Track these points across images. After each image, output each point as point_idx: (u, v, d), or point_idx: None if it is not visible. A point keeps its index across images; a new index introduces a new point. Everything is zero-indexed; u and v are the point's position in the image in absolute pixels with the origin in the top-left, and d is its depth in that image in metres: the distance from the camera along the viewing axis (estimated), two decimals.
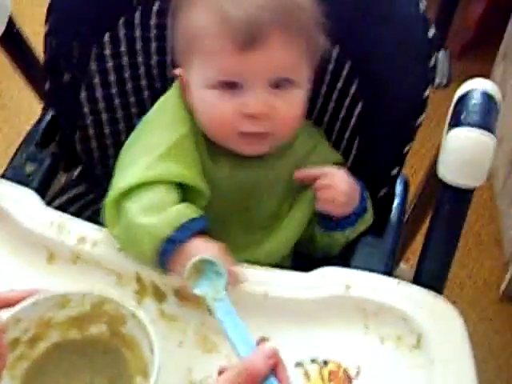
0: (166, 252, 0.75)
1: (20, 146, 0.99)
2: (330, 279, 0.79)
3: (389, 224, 0.94)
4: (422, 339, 0.75)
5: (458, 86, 0.88)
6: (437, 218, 0.84)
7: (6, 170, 0.95)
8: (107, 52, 0.97)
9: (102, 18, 0.96)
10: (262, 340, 0.66)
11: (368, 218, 0.91)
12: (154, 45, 0.98)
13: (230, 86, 0.80)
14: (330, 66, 0.95)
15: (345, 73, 0.94)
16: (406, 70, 0.91)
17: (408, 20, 0.90)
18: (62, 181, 1.01)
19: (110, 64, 0.98)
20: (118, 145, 0.90)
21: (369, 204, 0.92)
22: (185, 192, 0.83)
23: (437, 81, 0.91)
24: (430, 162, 0.95)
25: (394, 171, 0.95)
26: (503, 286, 1.59)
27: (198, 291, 0.71)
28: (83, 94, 0.98)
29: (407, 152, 0.93)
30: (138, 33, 0.97)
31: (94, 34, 0.95)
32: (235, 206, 0.90)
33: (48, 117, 1.01)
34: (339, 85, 0.95)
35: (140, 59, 0.99)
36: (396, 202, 0.97)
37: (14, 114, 1.93)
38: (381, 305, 0.77)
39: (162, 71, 0.99)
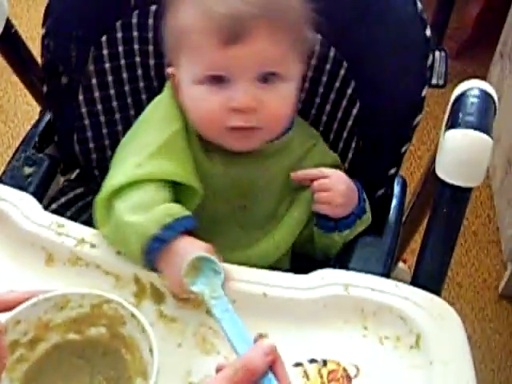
0: (153, 250, 0.75)
1: (18, 148, 0.99)
2: (328, 280, 0.79)
3: (387, 224, 0.94)
4: (421, 339, 0.75)
5: (455, 86, 0.88)
6: (435, 218, 0.84)
7: (3, 172, 0.95)
8: (105, 53, 0.97)
9: (99, 20, 0.96)
10: (260, 337, 0.66)
11: (366, 219, 0.91)
12: (151, 46, 0.98)
13: (216, 80, 0.81)
14: (327, 66, 0.95)
15: (342, 73, 0.94)
16: (402, 70, 0.91)
17: (405, 20, 0.90)
18: (60, 183, 1.02)
19: (107, 65, 0.98)
20: (116, 146, 0.90)
21: (367, 205, 0.92)
22: (178, 190, 0.83)
23: (433, 81, 0.91)
24: (428, 162, 0.95)
25: (392, 171, 0.95)
26: (502, 286, 1.59)
27: (195, 289, 0.71)
28: (81, 96, 0.98)
29: (405, 152, 0.94)
30: (135, 33, 0.97)
31: (92, 36, 0.96)
32: (230, 204, 0.90)
33: (46, 119, 1.02)
34: (336, 85, 0.95)
35: (138, 60, 0.99)
36: (394, 202, 0.97)
37: (11, 115, 1.93)
38: (379, 305, 0.77)
39: (159, 73, 0.99)
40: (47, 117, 1.02)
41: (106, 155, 1.03)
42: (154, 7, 0.95)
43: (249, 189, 0.90)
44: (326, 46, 0.93)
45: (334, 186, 0.87)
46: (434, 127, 1.88)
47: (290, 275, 0.81)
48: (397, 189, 0.99)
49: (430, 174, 0.91)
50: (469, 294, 1.61)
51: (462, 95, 0.84)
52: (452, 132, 0.80)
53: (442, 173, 0.81)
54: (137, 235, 0.76)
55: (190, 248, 0.74)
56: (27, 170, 0.95)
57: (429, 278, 0.83)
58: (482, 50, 2.01)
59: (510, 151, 1.64)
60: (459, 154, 0.80)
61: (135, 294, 0.79)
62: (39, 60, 1.01)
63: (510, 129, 1.64)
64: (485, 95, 0.84)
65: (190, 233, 0.77)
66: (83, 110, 0.99)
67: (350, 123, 0.96)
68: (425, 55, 0.89)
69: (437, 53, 0.91)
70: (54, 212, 0.88)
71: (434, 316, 0.77)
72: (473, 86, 0.84)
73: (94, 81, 0.98)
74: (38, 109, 1.12)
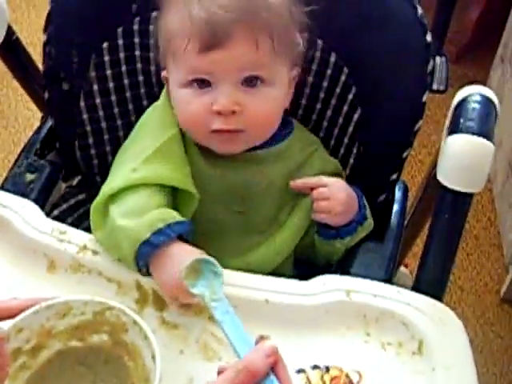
0: (144, 255, 0.75)
1: (19, 155, 0.99)
2: (330, 286, 0.79)
3: (389, 229, 0.94)
4: (424, 345, 0.75)
5: (455, 90, 0.88)
6: (436, 224, 0.84)
7: (5, 179, 0.95)
8: (106, 59, 0.97)
9: (100, 27, 0.96)
10: (261, 338, 0.65)
11: (368, 225, 0.91)
12: (152, 53, 0.98)
13: (200, 84, 0.82)
14: (328, 72, 0.95)
15: (343, 79, 0.94)
16: (403, 75, 0.91)
17: (405, 25, 0.90)
18: (62, 189, 1.01)
19: (108, 72, 0.98)
20: None
21: (368, 211, 0.92)
22: (175, 195, 0.84)
23: (434, 86, 0.91)
24: (429, 167, 0.95)
25: (393, 177, 0.95)
26: (503, 290, 1.59)
27: (195, 291, 0.71)
28: (82, 103, 0.98)
29: (406, 157, 0.94)
30: (136, 40, 0.97)
31: (93, 43, 0.96)
32: (229, 209, 0.90)
33: (47, 126, 1.02)
34: (337, 91, 0.95)
35: (139, 66, 0.99)
36: (395, 207, 0.97)
37: (11, 121, 1.94)
38: (382, 311, 0.77)
39: (160, 79, 0.99)
40: (49, 123, 1.02)
41: (108, 161, 1.03)
42: (154, 14, 0.95)
43: (246, 194, 0.90)
44: (327, 52, 0.93)
45: (334, 195, 0.88)
46: (435, 131, 1.88)
47: (292, 281, 0.81)
48: (398, 194, 0.99)
49: (431, 179, 0.91)
50: (470, 297, 1.60)
51: (464, 101, 0.84)
52: (453, 137, 0.80)
53: (443, 178, 0.81)
54: (129, 240, 0.76)
55: (182, 253, 0.75)
56: (29, 177, 0.95)
57: (431, 284, 0.83)
58: (482, 54, 2.01)
59: (511, 155, 1.64)
60: (461, 159, 0.80)
61: (137, 300, 0.79)
62: (40, 66, 1.01)
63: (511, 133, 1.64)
64: (486, 101, 0.84)
65: (185, 239, 0.78)
66: (84, 116, 0.99)
67: (351, 129, 0.96)
68: (425, 61, 0.89)
69: (437, 58, 0.91)
70: (56, 218, 0.88)
71: (436, 322, 0.77)
72: (474, 92, 0.84)
73: (95, 87, 0.98)
74: (39, 114, 1.13)
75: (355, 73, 0.93)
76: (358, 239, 0.91)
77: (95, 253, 0.81)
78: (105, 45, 0.96)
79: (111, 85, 0.99)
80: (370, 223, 0.92)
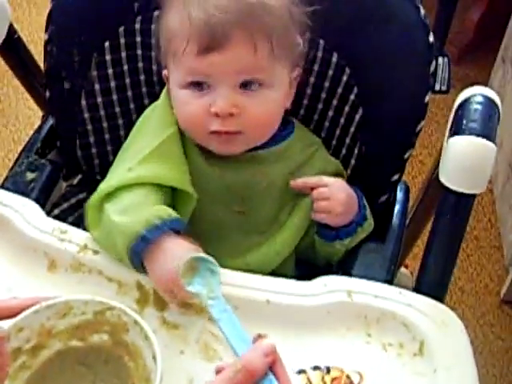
0: (138, 250, 0.75)
1: (20, 153, 0.99)
2: (331, 287, 0.79)
3: (390, 230, 0.94)
4: (425, 346, 0.75)
5: (456, 90, 0.88)
6: (438, 225, 0.84)
7: (6, 178, 0.95)
8: (108, 59, 0.97)
9: (102, 26, 0.96)
10: (259, 337, 0.65)
11: (368, 226, 0.91)
12: (154, 52, 0.98)
13: (198, 86, 0.82)
14: (330, 72, 0.95)
15: (344, 79, 0.94)
16: (405, 76, 0.91)
17: (408, 26, 0.90)
18: (63, 189, 1.01)
19: (110, 71, 0.98)
20: (119, 151, 0.91)
21: (368, 212, 0.92)
22: (173, 195, 0.84)
23: (437, 87, 0.91)
24: (431, 168, 0.95)
25: (395, 177, 0.95)
26: (503, 291, 1.59)
27: (192, 289, 0.70)
28: (83, 102, 0.98)
29: (408, 158, 0.94)
30: (138, 39, 0.97)
31: (95, 42, 0.96)
32: (229, 209, 0.90)
33: (48, 124, 1.02)
34: (339, 91, 0.95)
35: (140, 65, 0.99)
36: (397, 208, 0.97)
37: (12, 119, 1.94)
38: (383, 312, 0.77)
39: (162, 78, 0.99)
40: (49, 122, 1.02)
41: (109, 160, 1.03)
42: (156, 13, 0.94)
43: (246, 194, 0.90)
44: (329, 52, 0.93)
45: (334, 195, 0.87)
46: (436, 131, 1.88)
47: (293, 282, 0.80)
48: (399, 195, 0.98)
49: (433, 180, 0.91)
50: (470, 299, 1.60)
51: (466, 101, 0.84)
52: (456, 139, 0.80)
53: (445, 179, 0.81)
54: (123, 235, 0.76)
55: (176, 247, 0.74)
56: (29, 176, 0.95)
57: (432, 285, 0.83)
58: (484, 55, 2.01)
59: None
60: (463, 160, 0.79)
61: (138, 300, 0.79)
62: (41, 65, 1.01)
63: None
64: (488, 102, 0.84)
65: (181, 236, 0.77)
66: (86, 115, 0.99)
67: (352, 129, 0.95)
68: (428, 61, 0.89)
69: (440, 58, 0.91)
70: (57, 218, 0.88)
71: (438, 323, 0.77)
72: (476, 93, 0.84)
73: (96, 86, 0.98)
74: (40, 113, 1.13)
75: (357, 73, 0.93)
76: (358, 240, 0.91)
77: (96, 252, 0.81)
78: (106, 44, 0.96)
79: (112, 84, 0.99)
80: (369, 224, 0.92)
